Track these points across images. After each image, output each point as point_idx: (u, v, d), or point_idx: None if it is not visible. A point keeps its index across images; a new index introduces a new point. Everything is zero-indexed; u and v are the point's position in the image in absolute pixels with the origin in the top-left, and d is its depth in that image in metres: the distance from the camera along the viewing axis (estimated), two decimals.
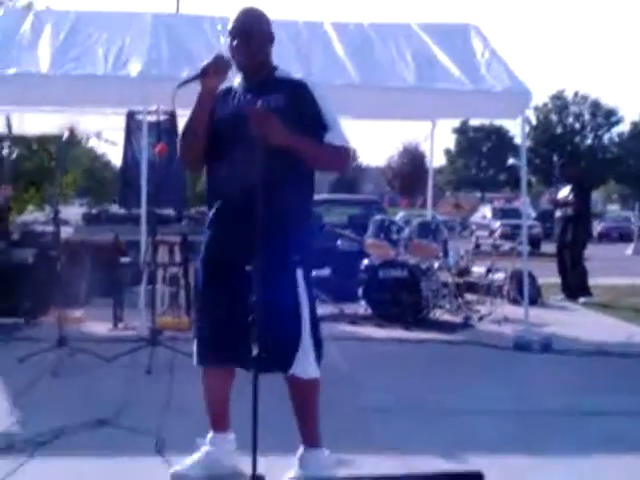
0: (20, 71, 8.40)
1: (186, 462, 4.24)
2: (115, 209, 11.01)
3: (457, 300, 10.21)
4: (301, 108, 3.95)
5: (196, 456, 4.28)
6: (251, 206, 3.59)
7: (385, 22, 10.31)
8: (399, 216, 29.52)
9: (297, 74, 4.27)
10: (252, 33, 4.05)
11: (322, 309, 9.89)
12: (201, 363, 4.20)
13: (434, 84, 8.80)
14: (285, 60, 9.07)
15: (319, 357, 4.06)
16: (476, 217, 35.67)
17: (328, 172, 4.27)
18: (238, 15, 4.10)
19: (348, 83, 8.58)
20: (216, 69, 3.95)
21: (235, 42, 4.05)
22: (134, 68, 8.56)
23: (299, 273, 3.98)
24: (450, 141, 76.05)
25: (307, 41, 9.45)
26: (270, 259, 3.72)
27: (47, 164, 19.30)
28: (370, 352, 8.06)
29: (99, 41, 9.04)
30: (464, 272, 11.27)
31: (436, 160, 73.80)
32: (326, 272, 10.77)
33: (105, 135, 17.34)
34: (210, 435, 4.34)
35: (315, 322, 4.06)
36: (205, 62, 3.98)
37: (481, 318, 9.92)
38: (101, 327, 8.92)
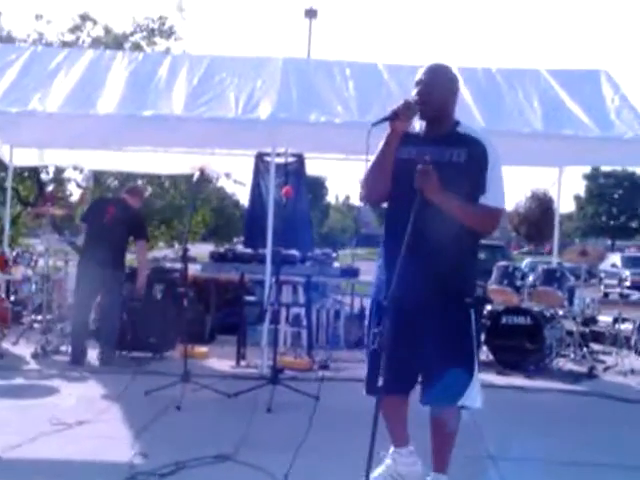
0: (155, 113, 8.70)
1: (372, 475, 4.43)
2: (241, 248, 11.23)
3: (582, 349, 10.00)
4: (474, 167, 4.25)
5: (380, 469, 4.64)
6: (424, 251, 4.08)
7: (513, 67, 10.28)
8: (525, 262, 29.25)
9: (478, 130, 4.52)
10: (433, 87, 4.37)
11: None
12: (370, 393, 4.37)
13: (561, 130, 8.72)
14: None
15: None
16: (605, 265, 34.87)
17: (476, 230, 4.40)
18: (426, 68, 4.46)
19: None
20: (405, 113, 4.23)
21: (417, 92, 4.37)
22: (264, 111, 8.76)
23: (472, 314, 4.35)
24: (580, 187, 74.67)
25: None
26: (448, 302, 4.23)
27: (178, 202, 19.82)
28: (490, 400, 7.95)
29: (231, 85, 9.30)
30: (590, 321, 11.04)
31: (565, 206, 72.41)
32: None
33: (234, 175, 17.72)
34: (391, 450, 4.72)
35: (478, 361, 4.49)
36: (395, 106, 4.24)
37: (607, 369, 9.69)
38: (224, 364, 9.09)
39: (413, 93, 4.37)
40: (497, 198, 4.28)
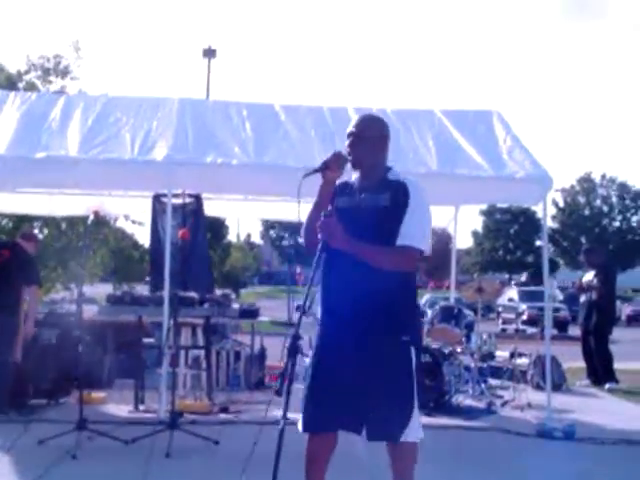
0: (49, 155, 8.55)
1: None
2: (139, 290, 11.08)
3: (480, 385, 10.13)
4: (397, 210, 4.37)
5: None
6: (359, 296, 4.23)
7: (408, 108, 10.44)
8: (425, 298, 29.64)
9: (402, 173, 4.62)
10: (364, 137, 4.51)
11: None
12: (307, 429, 4.44)
13: (456, 170, 8.88)
14: (310, 146, 9.31)
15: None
16: (503, 300, 35.55)
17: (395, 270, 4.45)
18: (357, 120, 4.63)
19: None
20: (335, 164, 4.38)
21: (348, 143, 4.54)
22: (160, 152, 8.69)
23: (412, 351, 4.40)
24: (477, 223, 76.10)
25: (331, 127, 9.58)
26: (384, 341, 4.32)
27: (75, 244, 19.46)
28: None
29: (127, 125, 9.22)
30: (487, 357, 11.20)
31: (463, 242, 73.55)
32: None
33: (133, 216, 17.52)
34: None
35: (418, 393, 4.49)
36: (326, 157, 4.39)
37: (504, 404, 9.83)
38: (122, 409, 8.93)
39: (345, 144, 4.53)
40: (413, 238, 4.37)
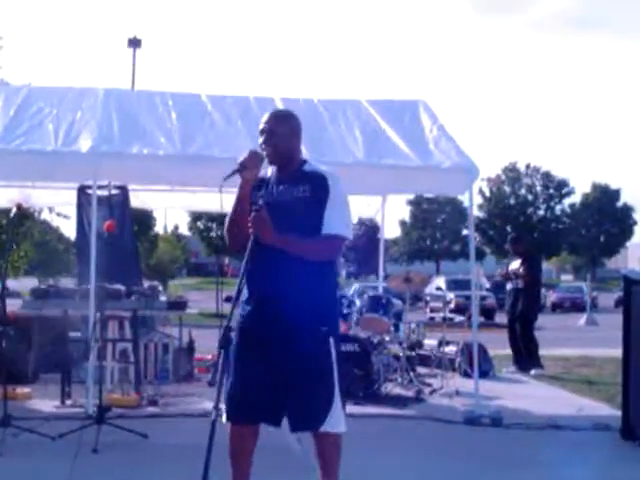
0: None
1: None
2: (64, 283, 10.90)
3: (408, 374, 10.19)
4: (317, 200, 4.50)
5: None
6: (278, 287, 4.35)
7: (335, 98, 10.45)
8: (354, 288, 29.77)
9: (319, 163, 4.80)
10: (276, 133, 4.62)
11: None
12: (230, 420, 4.50)
13: (383, 160, 8.90)
14: (237, 136, 9.25)
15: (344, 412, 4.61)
16: (431, 288, 35.93)
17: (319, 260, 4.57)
18: (268, 117, 4.73)
19: None
20: (251, 162, 4.48)
21: (261, 140, 4.65)
22: (85, 144, 8.54)
23: (331, 341, 4.48)
24: (405, 212, 76.64)
25: (258, 117, 9.49)
26: (303, 331, 4.37)
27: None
28: None
29: (49, 116, 9.03)
30: (415, 345, 11.29)
31: (391, 232, 74.11)
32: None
33: (58, 209, 17.24)
34: None
35: (340, 386, 4.55)
36: (242, 157, 4.47)
37: (433, 392, 9.92)
38: (49, 404, 8.77)
39: (259, 141, 4.63)
40: (336, 226, 4.48)
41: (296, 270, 4.41)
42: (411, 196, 68.26)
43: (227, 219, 4.60)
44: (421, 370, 11.13)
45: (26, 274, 24.87)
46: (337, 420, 4.49)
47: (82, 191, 10.78)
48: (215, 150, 8.72)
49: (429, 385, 10.22)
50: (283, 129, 4.68)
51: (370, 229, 65.76)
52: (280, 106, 9.79)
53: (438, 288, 35.29)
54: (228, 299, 6.91)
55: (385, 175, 9.01)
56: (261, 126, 4.69)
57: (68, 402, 8.86)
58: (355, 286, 31.57)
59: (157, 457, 6.37)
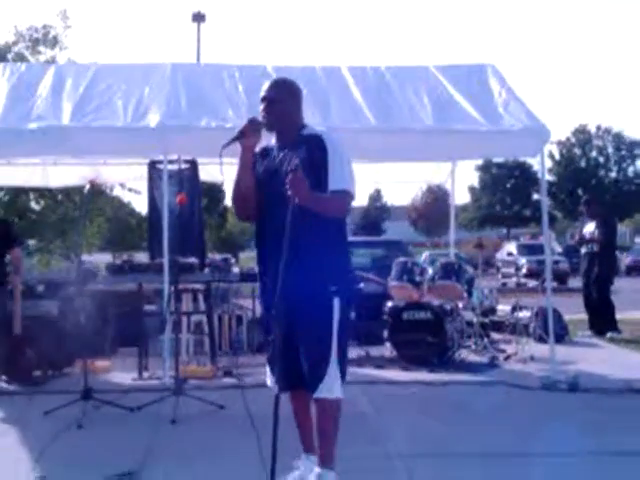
0: (42, 125, 8.47)
1: None
2: (138, 258, 11.02)
3: (482, 340, 10.14)
4: (315, 159, 4.54)
5: (290, 477, 4.72)
6: (287, 250, 4.24)
7: (402, 65, 10.34)
8: (424, 256, 29.64)
9: (318, 126, 4.96)
10: (276, 100, 4.72)
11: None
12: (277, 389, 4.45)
13: (452, 125, 8.78)
14: (304, 105, 9.21)
15: (343, 380, 4.56)
16: (502, 254, 35.58)
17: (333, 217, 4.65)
18: (268, 85, 4.83)
19: (365, 127, 8.60)
20: (251, 130, 4.61)
21: (262, 107, 4.74)
22: (153, 118, 8.61)
23: (335, 302, 4.48)
24: (474, 178, 75.88)
25: (325, 86, 9.47)
26: (307, 289, 4.40)
27: (72, 214, 19.40)
28: (394, 395, 8.01)
29: (118, 92, 9.11)
30: (489, 311, 11.21)
31: (460, 198, 73.54)
32: (351, 315, 10.71)
33: (129, 184, 17.42)
34: (302, 457, 4.81)
35: (344, 348, 4.57)
36: (241, 125, 4.62)
37: (507, 358, 9.84)
38: (126, 377, 8.92)
39: (260, 109, 4.74)
40: (341, 181, 4.53)
41: (310, 227, 4.42)
42: (479, 161, 67.83)
43: (232, 188, 4.72)
44: (495, 336, 11.07)
45: (100, 250, 25.27)
46: (330, 387, 4.47)
47: (152, 166, 10.86)
48: None
49: (503, 351, 10.16)
50: (281, 96, 4.76)
51: (439, 196, 65.37)
52: (347, 75, 9.76)
53: (509, 254, 34.91)
54: None
55: (455, 140, 8.90)
56: (261, 94, 4.79)
57: (145, 375, 9.00)
58: (425, 253, 31.39)
59: (234, 427, 6.43)
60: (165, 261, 8.56)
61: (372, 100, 9.17)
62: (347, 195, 4.57)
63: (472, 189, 76.01)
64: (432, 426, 6.59)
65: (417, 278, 10.16)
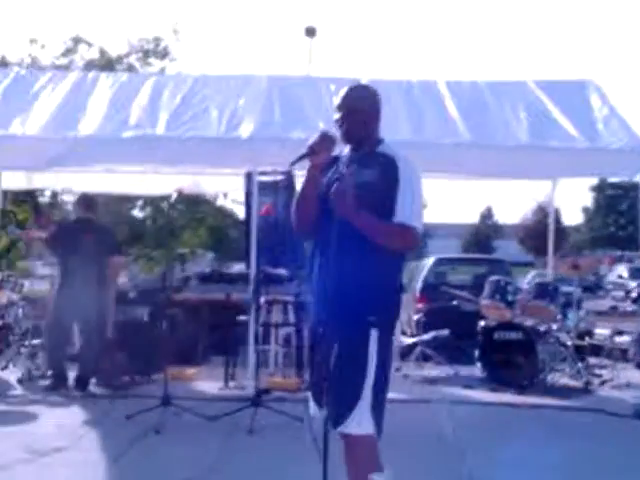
0: (137, 134, 8.62)
1: None
2: (226, 268, 11.11)
3: (577, 364, 9.84)
4: (385, 186, 4.06)
5: None
6: (331, 272, 3.92)
7: (500, 80, 10.18)
8: (530, 275, 29.10)
9: (396, 146, 4.28)
10: (355, 109, 4.19)
11: (437, 370, 9.77)
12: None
13: (548, 142, 8.59)
14: (397, 119, 9.14)
15: (377, 418, 4.07)
16: (612, 276, 34.67)
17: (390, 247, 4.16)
18: (346, 90, 4.28)
19: (459, 142, 8.48)
20: (322, 146, 4.09)
21: (338, 115, 4.23)
22: (246, 130, 8.67)
23: (373, 334, 4.05)
24: (587, 199, 74.44)
25: (420, 100, 9.40)
26: (345, 318, 3.99)
27: (175, 223, 19.74)
28: (480, 417, 7.83)
29: (214, 103, 9.22)
30: (585, 334, 10.89)
31: (573, 218, 72.11)
32: (445, 332, 10.58)
33: (232, 195, 17.63)
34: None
35: (381, 384, 4.10)
36: (311, 140, 4.10)
37: (602, 383, 9.52)
38: (212, 386, 8.96)
39: (335, 117, 4.24)
40: (411, 216, 4.06)
41: (360, 255, 4.05)
42: (594, 181, 66.43)
43: (295, 202, 4.27)
44: (592, 360, 10.74)
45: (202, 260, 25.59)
46: (359, 422, 4.01)
47: (249, 177, 10.93)
48: None
49: (599, 376, 9.83)
50: (362, 105, 4.24)
51: (538, 214, 64.35)
52: (443, 90, 9.65)
53: (620, 276, 33.98)
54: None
55: (550, 157, 8.73)
56: (338, 101, 4.27)
57: (231, 384, 9.02)
58: (532, 273, 30.79)
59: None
60: (252, 272, 8.59)
61: (467, 115, 9.05)
62: (413, 231, 4.10)
63: (585, 209, 74.57)
64: (517, 449, 6.40)
65: (510, 297, 9.94)
